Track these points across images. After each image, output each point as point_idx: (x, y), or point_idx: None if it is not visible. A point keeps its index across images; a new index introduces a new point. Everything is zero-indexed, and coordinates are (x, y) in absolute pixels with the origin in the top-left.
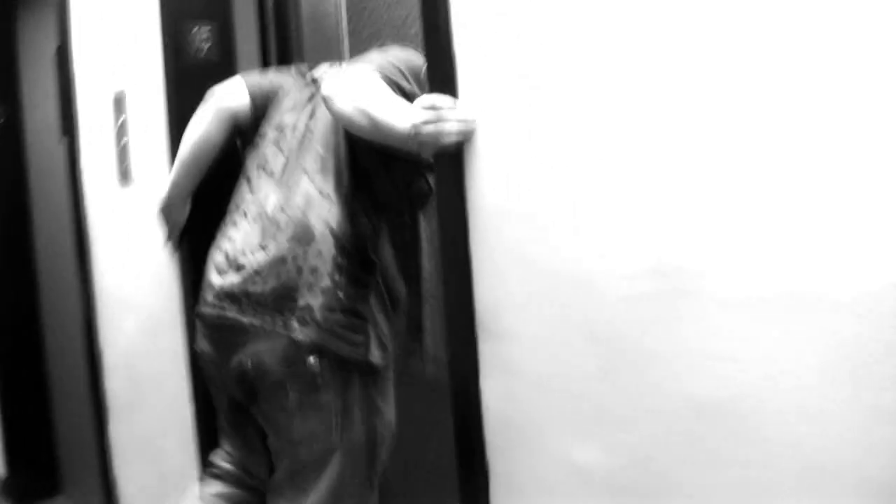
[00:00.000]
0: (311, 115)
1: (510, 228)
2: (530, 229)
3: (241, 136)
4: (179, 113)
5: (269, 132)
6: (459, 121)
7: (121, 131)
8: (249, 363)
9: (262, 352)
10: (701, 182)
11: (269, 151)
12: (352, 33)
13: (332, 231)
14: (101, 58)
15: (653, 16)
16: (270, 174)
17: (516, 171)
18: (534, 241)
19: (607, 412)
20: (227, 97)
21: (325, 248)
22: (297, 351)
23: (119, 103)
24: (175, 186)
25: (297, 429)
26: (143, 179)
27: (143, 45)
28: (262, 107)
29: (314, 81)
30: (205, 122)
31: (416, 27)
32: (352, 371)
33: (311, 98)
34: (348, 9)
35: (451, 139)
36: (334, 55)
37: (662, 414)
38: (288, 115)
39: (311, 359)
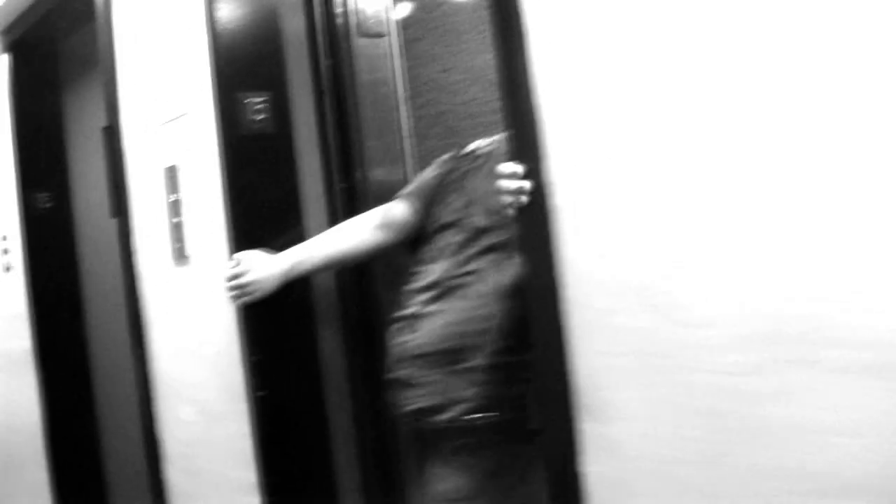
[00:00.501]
0: (474, 190)
1: (607, 297)
2: (629, 297)
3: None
4: (236, 186)
5: (441, 220)
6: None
7: (174, 208)
8: (413, 417)
9: (425, 407)
10: (824, 240)
11: (443, 235)
12: (409, 99)
13: (500, 296)
14: (151, 133)
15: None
16: (445, 250)
17: (608, 234)
18: (633, 310)
19: (718, 496)
20: (397, 209)
21: (495, 311)
22: (456, 409)
23: (172, 179)
24: (298, 264)
25: (436, 485)
26: (199, 258)
27: (196, 119)
28: (431, 208)
29: (469, 156)
30: (368, 228)
31: (470, 92)
32: (508, 438)
33: (468, 174)
34: (404, 75)
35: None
36: (392, 123)
37: (775, 495)
38: (454, 197)
39: (467, 417)
